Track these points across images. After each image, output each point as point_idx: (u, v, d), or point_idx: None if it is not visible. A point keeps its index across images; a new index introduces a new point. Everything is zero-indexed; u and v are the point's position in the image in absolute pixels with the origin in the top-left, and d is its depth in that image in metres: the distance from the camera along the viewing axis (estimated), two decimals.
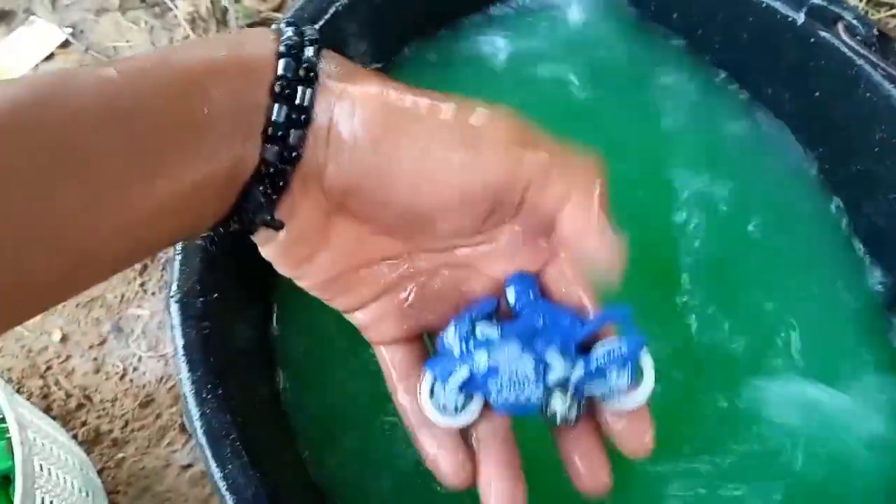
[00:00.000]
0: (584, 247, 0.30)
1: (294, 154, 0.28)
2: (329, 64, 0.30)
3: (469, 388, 0.32)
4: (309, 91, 0.28)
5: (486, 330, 0.33)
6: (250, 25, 1.16)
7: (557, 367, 0.32)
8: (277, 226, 0.30)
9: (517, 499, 0.31)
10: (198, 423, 0.39)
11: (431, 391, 0.33)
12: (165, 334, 0.70)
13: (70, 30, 1.18)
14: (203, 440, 0.39)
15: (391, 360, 0.34)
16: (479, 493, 0.32)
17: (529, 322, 0.33)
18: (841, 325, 0.52)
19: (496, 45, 0.63)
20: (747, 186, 0.56)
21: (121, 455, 0.66)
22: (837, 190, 0.56)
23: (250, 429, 0.40)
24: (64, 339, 0.71)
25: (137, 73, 0.26)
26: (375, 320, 0.33)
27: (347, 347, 0.50)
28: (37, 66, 1.15)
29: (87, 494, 0.58)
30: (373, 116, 0.28)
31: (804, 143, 0.57)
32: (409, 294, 0.33)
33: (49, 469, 0.52)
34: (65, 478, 0.54)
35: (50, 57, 1.15)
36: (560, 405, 0.32)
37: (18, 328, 0.72)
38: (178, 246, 0.43)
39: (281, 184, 0.29)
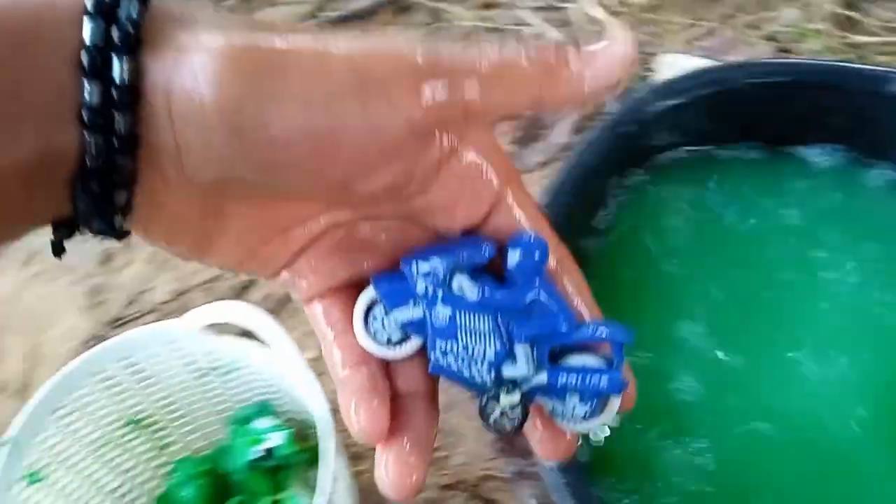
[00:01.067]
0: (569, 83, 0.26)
1: (126, 141, 0.23)
2: (159, 17, 0.23)
3: (412, 330, 0.29)
4: (127, 60, 0.22)
5: (465, 285, 0.29)
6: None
7: (521, 366, 0.29)
8: (118, 233, 0.25)
9: (417, 481, 0.29)
10: None
11: (368, 308, 0.30)
12: None
13: None
14: None
15: (328, 319, 0.31)
16: (377, 454, 0.29)
17: (517, 299, 0.28)
18: None
19: None
20: None
21: (360, 468, 0.80)
22: None
23: None
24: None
25: None
26: (301, 275, 0.30)
27: None
28: None
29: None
30: (226, 73, 0.22)
31: None
32: (337, 241, 0.30)
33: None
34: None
35: None
36: (502, 406, 0.28)
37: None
38: None
39: (118, 179, 0.24)
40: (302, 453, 0.80)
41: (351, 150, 0.25)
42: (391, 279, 0.29)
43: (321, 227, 0.29)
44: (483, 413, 0.29)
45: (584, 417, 0.29)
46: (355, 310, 0.30)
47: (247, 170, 0.25)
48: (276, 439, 0.77)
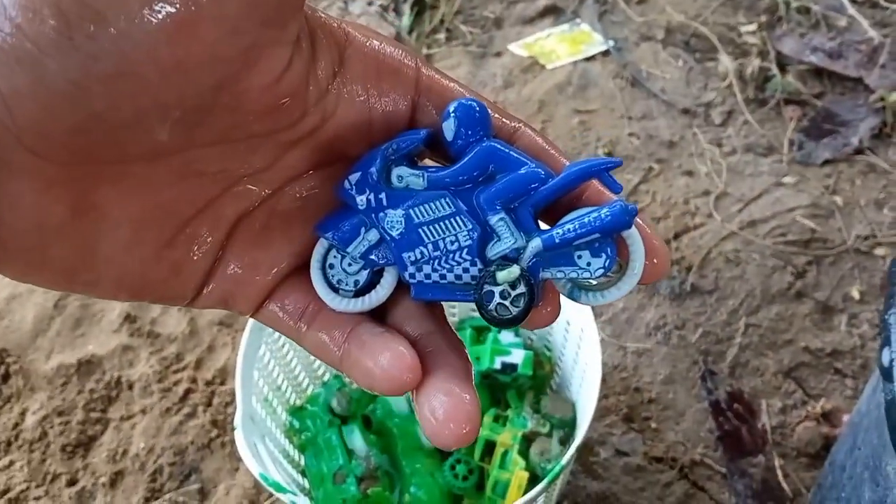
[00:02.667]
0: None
1: None
2: None
3: (378, 259, 0.25)
4: None
5: (405, 175, 0.24)
6: (787, 102, 1.22)
7: (505, 237, 0.23)
8: None
9: (472, 414, 0.23)
10: None
11: (324, 264, 0.25)
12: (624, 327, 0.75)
13: (613, 42, 1.34)
14: None
15: (291, 314, 0.25)
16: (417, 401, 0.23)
17: (469, 167, 0.23)
18: None
19: None
20: None
21: None
22: None
23: None
24: None
25: None
26: (237, 282, 0.25)
27: None
28: (574, 62, 1.31)
29: None
30: None
31: None
32: (259, 226, 0.25)
33: None
34: None
35: (590, 58, 1.32)
36: (501, 284, 0.23)
37: None
38: None
39: None
40: (532, 379, 0.77)
41: (210, 42, 0.19)
42: (333, 218, 0.24)
43: (229, 216, 0.24)
44: (481, 303, 0.23)
45: (606, 272, 0.23)
46: (311, 270, 0.25)
47: (101, 97, 0.19)
48: (517, 356, 0.74)
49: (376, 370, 0.23)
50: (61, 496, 0.88)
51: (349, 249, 0.24)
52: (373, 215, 0.24)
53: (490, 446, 0.74)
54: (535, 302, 0.23)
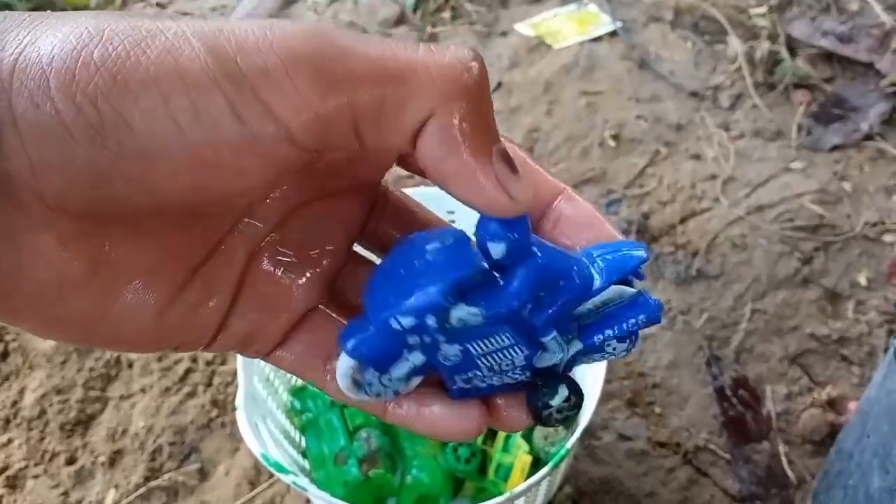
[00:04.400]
0: (449, 186, 0.21)
1: None
2: None
3: (421, 373, 0.24)
4: None
5: (465, 316, 0.22)
6: (796, 87, 1.19)
7: (554, 353, 0.24)
8: None
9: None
10: None
11: (356, 380, 0.24)
12: None
13: (620, 23, 1.33)
14: None
15: (316, 351, 0.26)
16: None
17: (522, 297, 0.23)
18: None
19: None
20: None
21: None
22: None
23: None
24: None
25: None
26: (253, 325, 0.25)
27: None
28: (581, 43, 1.30)
29: None
30: (77, 74, 0.19)
31: None
32: (269, 261, 0.25)
33: None
34: None
35: (597, 39, 1.32)
36: (557, 406, 0.25)
37: None
38: None
39: None
40: None
41: (232, 165, 0.20)
42: (364, 336, 0.23)
43: (240, 257, 0.25)
44: (537, 413, 0.25)
45: (629, 352, 0.25)
46: (341, 385, 0.24)
47: (121, 187, 0.20)
48: None
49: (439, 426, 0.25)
50: (60, 474, 0.88)
51: (392, 373, 0.24)
52: (426, 351, 0.23)
53: (493, 429, 0.73)
54: (580, 405, 0.25)
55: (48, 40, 0.19)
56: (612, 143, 1.19)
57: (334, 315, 0.26)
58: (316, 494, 0.59)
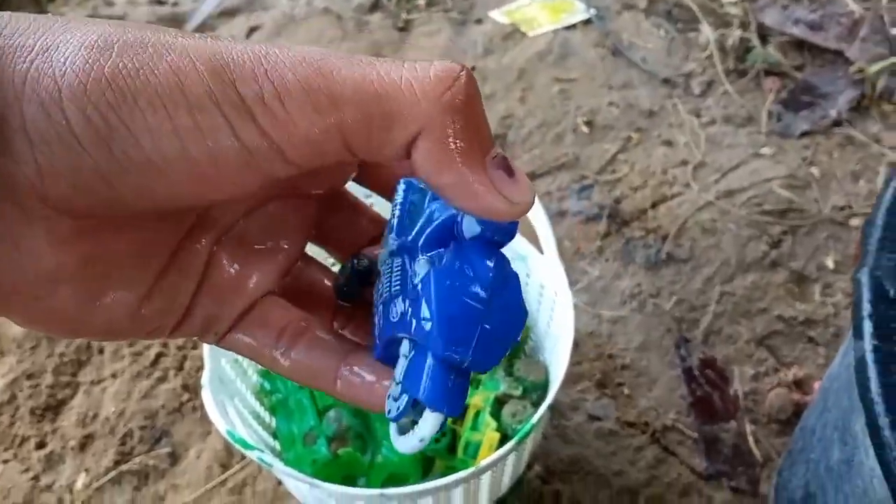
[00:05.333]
0: (445, 196, 0.22)
1: None
2: (9, 25, 0.21)
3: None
4: None
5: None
6: (767, 74, 1.21)
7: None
8: None
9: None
10: None
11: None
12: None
13: (594, 11, 1.33)
14: None
15: (259, 330, 0.28)
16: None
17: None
18: None
19: None
20: None
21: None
22: None
23: None
24: None
25: None
26: (217, 310, 0.27)
27: None
28: (555, 30, 1.30)
29: None
30: (88, 84, 0.20)
31: None
32: (233, 249, 0.27)
33: None
34: None
35: (571, 27, 1.31)
36: None
37: None
38: None
39: None
40: None
41: (229, 178, 0.22)
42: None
43: (206, 245, 0.26)
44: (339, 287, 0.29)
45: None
46: (414, 448, 0.25)
47: (124, 193, 0.21)
48: None
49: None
50: (30, 459, 0.87)
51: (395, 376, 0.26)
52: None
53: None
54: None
55: (60, 52, 0.20)
56: (584, 129, 1.20)
57: (285, 303, 0.28)
58: (281, 470, 0.59)
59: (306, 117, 0.21)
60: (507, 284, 0.24)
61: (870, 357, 0.49)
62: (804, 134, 1.17)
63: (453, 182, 0.21)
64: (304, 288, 0.30)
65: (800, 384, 0.89)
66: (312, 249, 0.30)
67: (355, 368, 0.27)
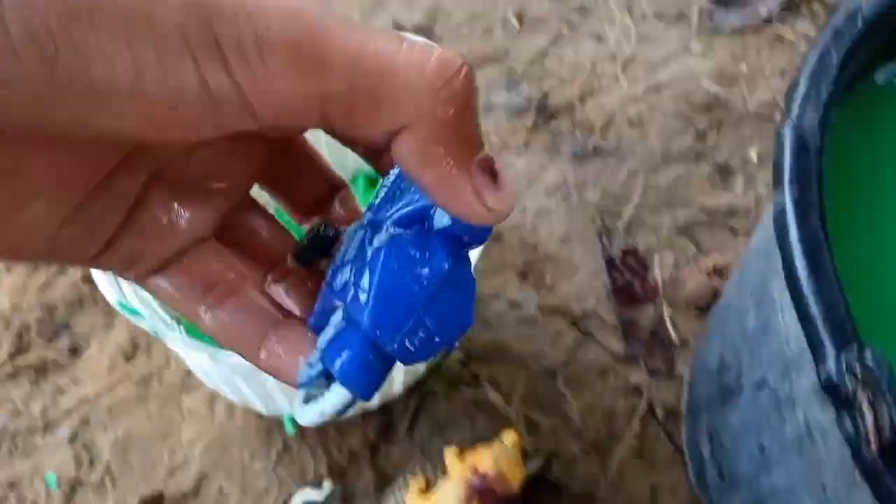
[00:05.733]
0: (425, 190, 0.22)
1: None
2: None
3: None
4: None
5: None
6: None
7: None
8: None
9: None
10: None
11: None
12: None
13: None
14: None
15: (186, 278, 0.26)
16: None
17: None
18: None
19: None
20: None
21: None
22: None
23: None
24: None
25: None
26: (143, 244, 0.25)
27: None
28: None
29: None
30: (42, 4, 0.18)
31: None
32: (172, 184, 0.25)
33: None
34: None
35: None
36: None
37: None
38: None
39: None
40: None
41: (184, 124, 0.19)
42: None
43: (141, 174, 0.24)
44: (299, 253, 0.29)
45: None
46: (315, 421, 0.25)
47: (59, 117, 0.19)
48: None
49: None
50: None
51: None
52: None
53: None
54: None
55: None
56: (515, 22, 1.16)
57: (223, 252, 0.26)
58: (178, 339, 0.55)
59: (286, 78, 0.19)
60: (459, 286, 0.23)
61: (789, 207, 0.48)
62: (734, 31, 1.16)
63: (435, 179, 0.20)
64: (243, 236, 0.28)
65: (720, 271, 0.89)
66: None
67: (284, 339, 0.25)
